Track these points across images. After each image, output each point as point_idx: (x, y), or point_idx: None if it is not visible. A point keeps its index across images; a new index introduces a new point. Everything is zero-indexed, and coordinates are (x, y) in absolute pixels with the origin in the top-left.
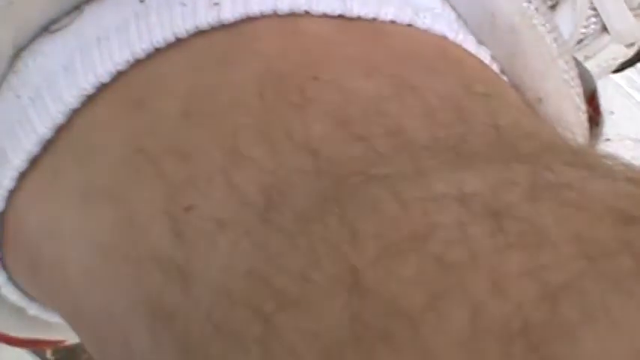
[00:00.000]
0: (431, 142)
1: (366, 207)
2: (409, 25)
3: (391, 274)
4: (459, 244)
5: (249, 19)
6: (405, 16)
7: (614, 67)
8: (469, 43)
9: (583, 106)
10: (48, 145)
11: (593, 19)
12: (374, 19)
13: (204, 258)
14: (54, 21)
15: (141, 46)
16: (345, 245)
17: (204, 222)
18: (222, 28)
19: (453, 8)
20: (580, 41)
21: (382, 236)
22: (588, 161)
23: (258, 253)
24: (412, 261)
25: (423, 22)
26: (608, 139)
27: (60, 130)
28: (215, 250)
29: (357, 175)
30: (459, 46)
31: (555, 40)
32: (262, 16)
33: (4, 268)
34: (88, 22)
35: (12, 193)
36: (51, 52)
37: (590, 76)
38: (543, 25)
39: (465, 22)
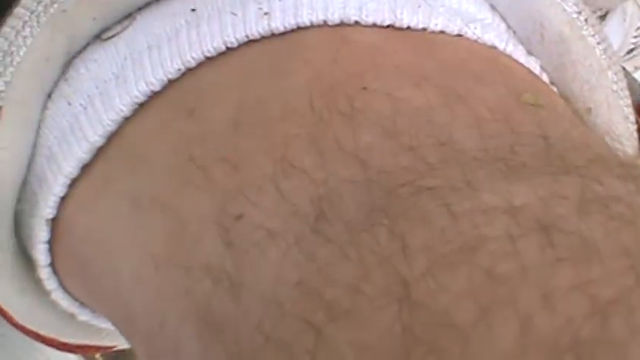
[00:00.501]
0: (480, 152)
1: (416, 219)
2: (459, 36)
3: (441, 286)
4: (508, 257)
5: (299, 29)
6: (454, 27)
7: None
8: (519, 54)
9: (632, 117)
10: (99, 153)
11: None
12: (424, 30)
13: (254, 268)
14: (106, 29)
15: (192, 55)
16: (395, 257)
17: (254, 231)
18: (272, 37)
19: (503, 19)
20: (630, 51)
21: (432, 249)
22: (636, 174)
23: (309, 263)
24: (462, 274)
25: (473, 32)
26: None
27: (111, 138)
28: (265, 260)
29: (406, 186)
30: (508, 56)
31: (605, 51)
32: (312, 26)
33: (55, 273)
34: (139, 30)
35: (63, 200)
36: (103, 60)
37: None
38: (593, 36)
39: (515, 33)
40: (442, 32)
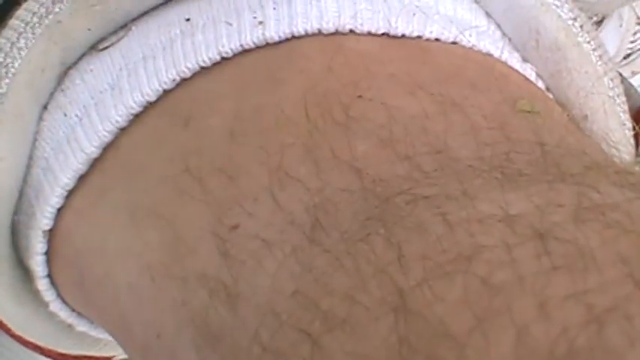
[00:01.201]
0: (476, 161)
1: (412, 228)
2: (454, 43)
3: (437, 296)
4: (504, 265)
5: (294, 38)
6: (449, 34)
7: None
8: (514, 61)
9: (629, 123)
10: (95, 164)
11: None
12: (418, 37)
13: (250, 278)
14: (102, 39)
15: (187, 65)
16: (391, 267)
17: (250, 241)
18: (267, 46)
19: (498, 26)
20: (627, 56)
21: (428, 258)
22: (633, 181)
23: (305, 273)
24: (458, 283)
25: (468, 39)
26: None
27: (107, 149)
28: (262, 270)
29: (402, 195)
30: (504, 64)
31: (601, 57)
32: (307, 35)
33: (53, 284)
34: (135, 41)
35: (60, 211)
36: (98, 71)
37: (636, 92)
38: (588, 42)
39: (510, 40)
40: (437, 40)
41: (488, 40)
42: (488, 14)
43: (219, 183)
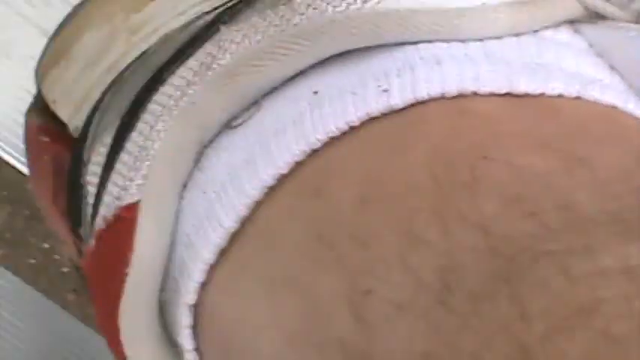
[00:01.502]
0: (601, 215)
1: (535, 284)
2: (577, 98)
3: (559, 351)
4: (624, 318)
5: (418, 103)
6: (572, 90)
7: None
8: None
9: None
10: (234, 238)
11: None
12: (541, 94)
13: (384, 341)
14: (234, 117)
15: (316, 136)
16: (515, 324)
17: (383, 306)
18: (392, 113)
19: (623, 78)
20: None
21: (550, 313)
22: None
23: (435, 335)
24: (579, 337)
25: (591, 94)
26: None
27: (245, 222)
28: (395, 334)
29: (527, 252)
30: (629, 115)
31: None
32: (430, 100)
33: (201, 358)
34: (266, 117)
35: (203, 286)
36: (233, 147)
37: None
38: None
39: (637, 91)
40: (560, 96)
41: (612, 93)
42: (611, 67)
43: (351, 249)
